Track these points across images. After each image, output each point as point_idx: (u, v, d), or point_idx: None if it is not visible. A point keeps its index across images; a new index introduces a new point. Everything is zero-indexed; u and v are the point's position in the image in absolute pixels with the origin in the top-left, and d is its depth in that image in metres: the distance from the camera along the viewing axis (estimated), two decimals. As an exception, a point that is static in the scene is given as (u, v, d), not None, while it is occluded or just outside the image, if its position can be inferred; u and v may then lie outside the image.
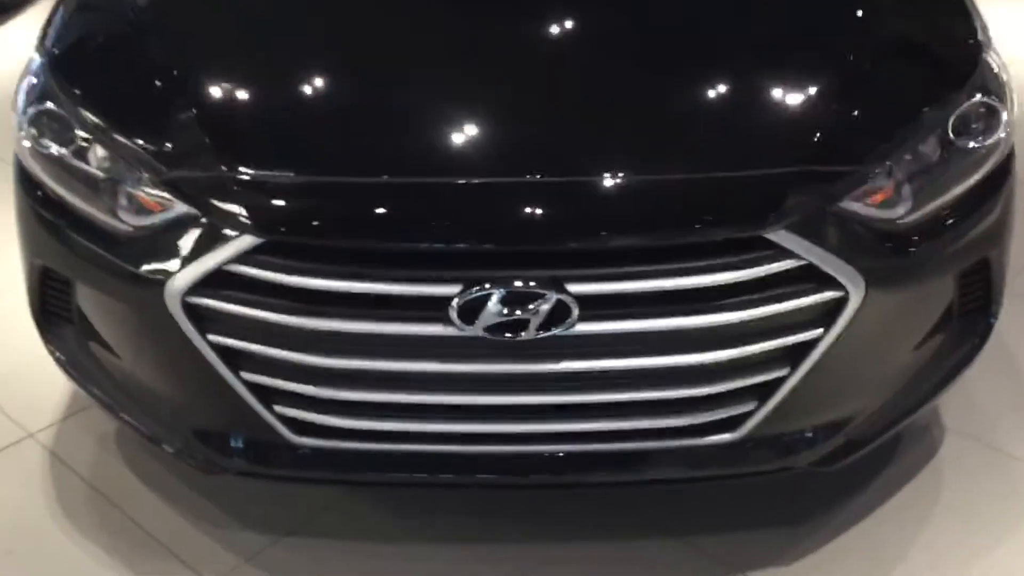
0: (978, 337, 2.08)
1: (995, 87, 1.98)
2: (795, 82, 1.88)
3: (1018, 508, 2.20)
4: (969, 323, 2.07)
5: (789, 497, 2.18)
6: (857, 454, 1.98)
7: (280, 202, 1.74)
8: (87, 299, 1.97)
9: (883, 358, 1.93)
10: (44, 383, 2.51)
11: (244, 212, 1.71)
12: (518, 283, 1.67)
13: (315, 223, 1.72)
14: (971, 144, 1.92)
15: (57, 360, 2.12)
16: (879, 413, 1.98)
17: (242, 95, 1.91)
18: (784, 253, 1.72)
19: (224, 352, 1.79)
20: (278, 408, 1.83)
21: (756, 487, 2.20)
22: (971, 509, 2.19)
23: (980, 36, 2.07)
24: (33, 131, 1.95)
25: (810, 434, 1.90)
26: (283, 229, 1.71)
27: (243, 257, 1.72)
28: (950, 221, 1.89)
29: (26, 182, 1.99)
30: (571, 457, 1.86)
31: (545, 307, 1.67)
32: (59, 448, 2.36)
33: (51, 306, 2.07)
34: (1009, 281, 2.75)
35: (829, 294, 1.75)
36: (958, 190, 1.90)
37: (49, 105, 1.95)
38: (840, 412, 1.92)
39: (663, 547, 2.09)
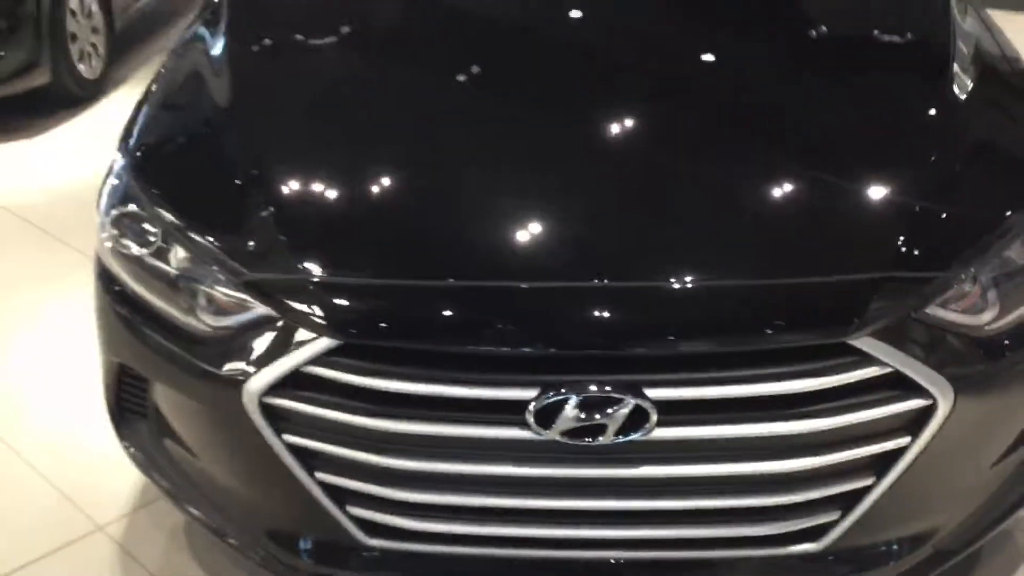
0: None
1: (1078, 189, 1.94)
2: (877, 185, 1.87)
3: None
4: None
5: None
6: (943, 567, 1.91)
7: (357, 305, 1.74)
8: (163, 396, 1.98)
9: (971, 467, 1.87)
10: (114, 477, 2.53)
11: (322, 314, 1.72)
12: (594, 388, 1.65)
13: (391, 326, 1.72)
14: (1056, 250, 1.88)
15: (131, 456, 2.13)
16: (966, 524, 1.92)
17: (319, 198, 1.93)
18: (869, 360, 1.68)
19: (299, 452, 1.78)
20: (351, 509, 1.81)
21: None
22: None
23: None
24: (115, 231, 1.98)
25: (895, 547, 1.84)
26: (360, 332, 1.71)
27: (320, 359, 1.72)
28: (1034, 328, 1.85)
29: (106, 281, 2.02)
30: (649, 565, 1.82)
31: (623, 412, 1.65)
32: (127, 541, 2.37)
33: (127, 402, 2.09)
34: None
35: (916, 402, 1.71)
36: (1045, 295, 1.86)
37: (131, 207, 1.98)
38: (926, 523, 1.87)
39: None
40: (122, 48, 5.56)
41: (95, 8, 5.19)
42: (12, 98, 4.77)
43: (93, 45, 5.19)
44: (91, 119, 4.96)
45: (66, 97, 4.99)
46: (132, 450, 2.12)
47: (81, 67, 5.06)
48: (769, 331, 1.69)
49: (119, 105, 5.11)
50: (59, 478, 2.56)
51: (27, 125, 4.79)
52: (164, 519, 2.41)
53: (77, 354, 3.06)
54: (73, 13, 4.97)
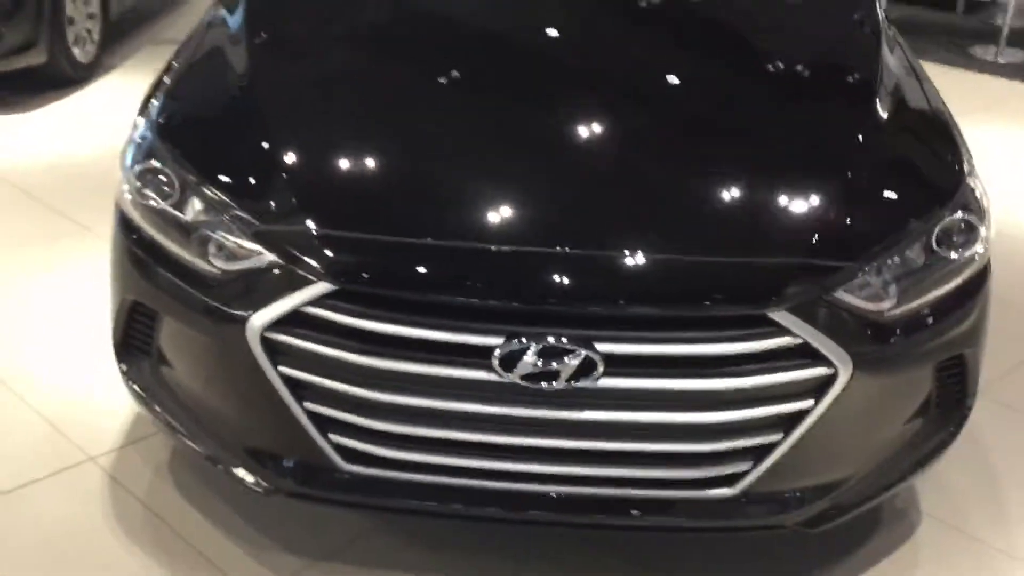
0: (953, 426, 2.33)
1: (975, 207, 2.28)
2: (803, 187, 2.19)
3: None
4: (946, 413, 2.32)
5: (780, 561, 2.41)
6: (839, 519, 2.21)
7: (353, 256, 2.02)
8: (169, 333, 2.23)
9: (866, 433, 2.18)
10: (107, 414, 2.78)
11: (322, 263, 1.99)
12: (552, 339, 1.94)
13: (380, 275, 2.00)
14: (952, 255, 2.21)
15: (131, 389, 2.36)
16: (861, 484, 2.22)
17: (322, 162, 2.21)
18: (783, 331, 1.99)
19: (291, 383, 2.05)
20: (333, 437, 2.08)
21: (748, 551, 2.43)
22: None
23: (965, 162, 2.38)
24: (138, 184, 2.25)
25: (799, 495, 2.14)
26: (353, 279, 1.99)
27: (317, 301, 1.99)
28: (930, 319, 2.16)
29: (125, 228, 2.27)
30: (590, 500, 2.10)
31: (575, 361, 1.94)
32: (117, 472, 2.60)
33: (132, 340, 2.34)
34: (991, 387, 3.05)
35: (820, 370, 2.02)
36: (938, 293, 2.18)
37: (154, 163, 2.25)
38: (826, 478, 2.16)
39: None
40: (115, 36, 5.79)
41: (93, -6, 5.43)
42: (8, 75, 4.99)
43: (88, 30, 5.41)
44: (81, 100, 5.19)
45: (59, 78, 5.20)
46: (133, 384, 2.36)
47: (76, 50, 5.28)
48: (702, 300, 1.99)
49: (109, 89, 5.36)
50: (54, 414, 2.80)
51: (22, 102, 5.01)
52: (153, 454, 2.65)
53: (70, 307, 3.32)
54: (72, -1, 5.21)
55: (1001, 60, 6.97)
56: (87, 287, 3.41)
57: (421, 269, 2.01)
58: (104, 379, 2.89)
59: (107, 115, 5.01)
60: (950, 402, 2.32)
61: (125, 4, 5.88)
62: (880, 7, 2.88)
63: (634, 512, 2.11)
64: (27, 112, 4.94)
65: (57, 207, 4.01)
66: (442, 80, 2.49)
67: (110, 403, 2.80)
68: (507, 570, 2.36)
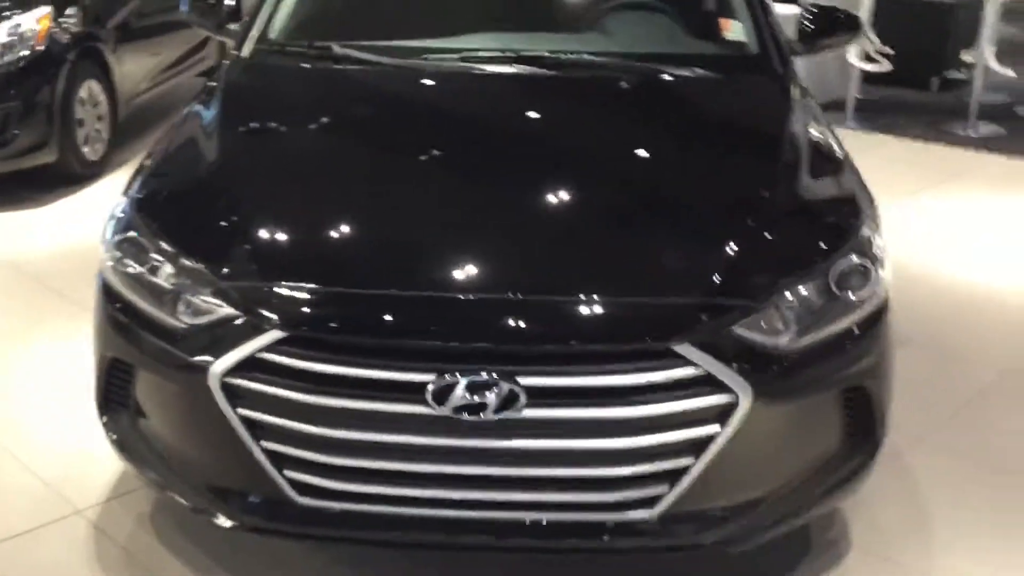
0: (867, 455, 2.51)
1: (869, 252, 2.51)
2: (707, 236, 2.44)
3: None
4: (857, 443, 2.50)
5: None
6: (757, 539, 2.39)
7: (300, 306, 2.27)
8: (143, 385, 2.48)
9: (776, 457, 2.38)
10: (93, 471, 3.01)
11: (272, 312, 2.25)
12: (480, 375, 2.17)
13: (326, 322, 2.26)
14: (848, 295, 2.43)
15: (111, 440, 2.60)
16: (777, 506, 2.39)
17: (277, 229, 2.47)
18: (687, 362, 2.21)
19: (249, 424, 2.28)
20: (287, 472, 2.30)
21: (680, 573, 2.61)
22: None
23: (862, 211, 2.62)
24: (117, 253, 2.52)
25: (715, 516, 2.33)
26: (301, 326, 2.24)
27: (270, 347, 2.24)
28: (826, 353, 2.38)
29: (106, 293, 2.55)
30: (522, 524, 2.29)
31: (500, 394, 2.17)
32: (102, 523, 2.82)
33: (112, 395, 2.58)
34: (933, 434, 3.25)
35: (723, 397, 2.23)
36: (834, 329, 2.40)
37: (131, 234, 2.53)
38: (740, 499, 2.35)
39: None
40: (123, 134, 6.18)
41: (102, 98, 5.83)
42: (21, 173, 5.36)
43: (97, 130, 5.80)
44: (90, 195, 5.54)
45: (70, 175, 5.58)
46: (113, 436, 2.59)
47: (85, 149, 5.67)
48: (611, 336, 2.23)
49: (117, 184, 5.66)
50: (43, 470, 3.04)
51: (35, 197, 5.37)
52: (136, 506, 2.87)
53: (70, 377, 3.58)
54: (82, 101, 5.61)
55: (972, 134, 7.27)
56: (85, 360, 3.66)
57: (360, 315, 2.26)
58: (93, 438, 3.12)
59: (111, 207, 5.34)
60: (860, 433, 2.51)
61: (132, 105, 6.28)
62: (796, 84, 3.17)
63: (564, 535, 2.31)
64: (40, 207, 5.30)
65: (60, 290, 4.30)
66: (386, 156, 2.78)
67: (97, 460, 3.03)
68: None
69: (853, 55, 7.36)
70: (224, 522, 2.39)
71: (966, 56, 7.81)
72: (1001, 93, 8.14)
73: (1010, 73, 7.43)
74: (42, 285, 4.39)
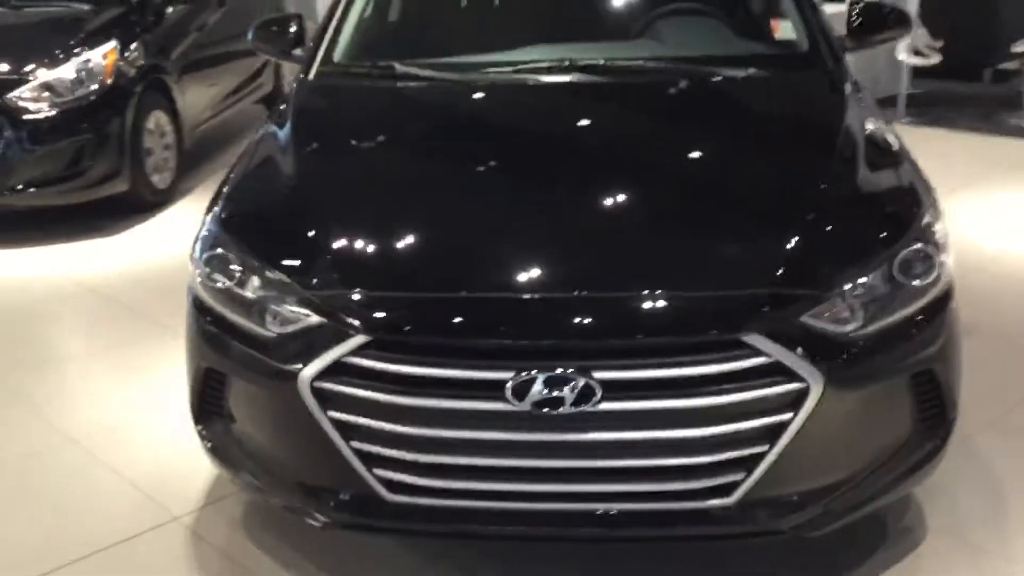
0: (940, 438, 2.56)
1: (931, 239, 2.57)
2: (770, 226, 2.52)
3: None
4: (930, 426, 2.56)
5: (791, 571, 2.64)
6: (834, 524, 2.44)
7: (383, 312, 2.38)
8: (236, 393, 2.61)
9: (850, 442, 2.43)
10: (187, 478, 3.15)
11: (358, 319, 2.36)
12: (556, 371, 2.27)
13: (408, 326, 2.37)
14: (913, 282, 2.49)
15: (207, 448, 2.73)
16: (853, 491, 2.45)
17: (358, 239, 2.59)
18: (758, 352, 2.28)
19: (339, 425, 2.39)
20: (377, 471, 2.41)
21: (763, 558, 2.67)
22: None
23: (922, 199, 2.68)
24: (207, 269, 2.66)
25: (793, 501, 2.39)
26: (385, 330, 2.35)
27: (356, 351, 2.35)
28: (894, 338, 2.44)
29: (198, 307, 2.68)
30: (597, 515, 2.37)
31: (576, 389, 2.26)
32: (199, 528, 2.95)
33: (207, 404, 2.71)
34: (1000, 419, 3.28)
35: (794, 385, 2.30)
36: (901, 315, 2.46)
37: (219, 251, 2.66)
38: (816, 485, 2.41)
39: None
40: (189, 163, 6.40)
41: (168, 128, 6.04)
42: (95, 203, 5.57)
43: (165, 159, 6.01)
44: (160, 222, 5.75)
45: (140, 203, 5.78)
46: (208, 442, 2.73)
47: (154, 178, 5.88)
48: (683, 328, 2.31)
49: (185, 211, 5.91)
50: (139, 479, 3.19)
51: (108, 226, 5.58)
52: (230, 511, 3.00)
53: (154, 393, 3.74)
54: (150, 132, 5.81)
55: (1026, 124, 7.24)
56: (169, 375, 3.85)
57: (440, 318, 2.37)
58: (189, 449, 3.28)
59: (184, 233, 5.50)
60: (933, 416, 2.56)
61: (197, 134, 6.50)
62: (849, 79, 3.23)
63: (643, 525, 2.39)
64: (113, 235, 5.51)
65: (143, 312, 4.49)
66: (456, 166, 2.90)
67: (194, 470, 3.18)
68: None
69: (902, 50, 7.36)
70: (317, 520, 2.50)
71: (1017, 47, 7.77)
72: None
73: (1062, 61, 7.38)
74: (122, 306, 4.57)
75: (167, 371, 3.92)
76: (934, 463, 2.58)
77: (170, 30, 6.19)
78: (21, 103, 5.27)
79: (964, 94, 8.12)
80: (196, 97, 6.43)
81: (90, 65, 5.46)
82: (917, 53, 7.51)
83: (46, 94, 5.33)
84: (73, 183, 5.44)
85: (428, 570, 2.74)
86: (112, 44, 5.61)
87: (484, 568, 2.73)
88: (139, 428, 3.52)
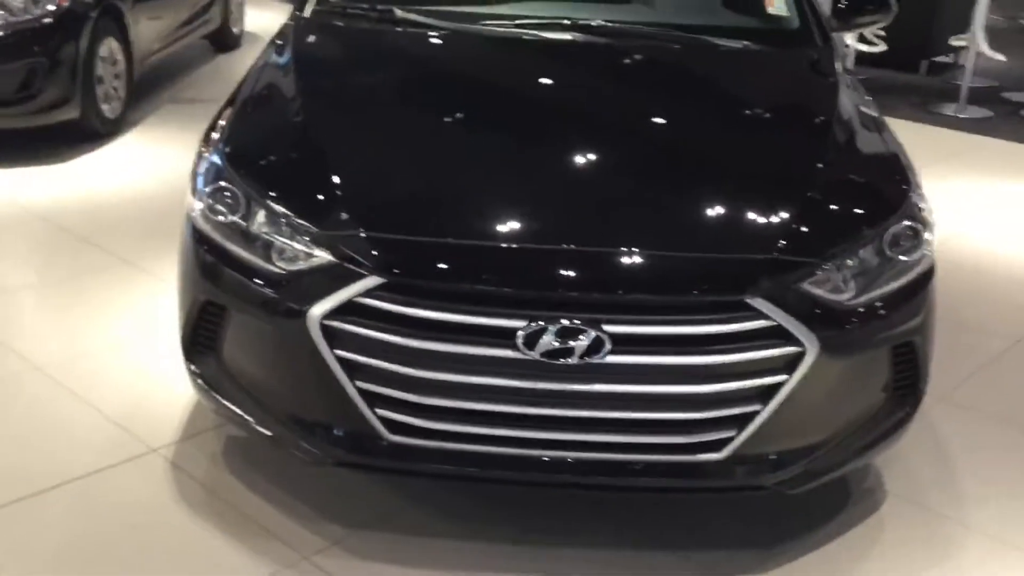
0: (910, 406, 2.71)
1: (919, 216, 2.69)
2: (773, 200, 2.60)
3: (933, 551, 2.78)
4: (903, 394, 2.70)
5: (764, 528, 2.77)
6: (813, 483, 2.57)
7: (398, 254, 2.40)
8: (235, 328, 2.59)
9: (834, 406, 2.55)
10: (163, 411, 3.13)
11: (372, 260, 2.37)
12: (566, 321, 2.32)
13: (423, 269, 2.39)
14: (900, 256, 2.61)
15: (197, 382, 2.71)
16: (831, 452, 2.58)
17: (370, 179, 2.61)
18: (760, 315, 2.37)
19: (345, 364, 2.41)
20: (379, 411, 2.44)
21: (738, 515, 2.79)
22: (899, 547, 2.78)
23: (910, 179, 2.80)
24: (210, 201, 2.63)
25: (777, 459, 2.50)
26: (400, 272, 2.37)
27: (368, 292, 2.37)
28: (882, 309, 2.56)
29: (198, 240, 2.65)
30: (599, 464, 2.45)
31: (586, 340, 2.32)
32: (178, 460, 2.94)
33: (199, 338, 2.70)
34: (950, 393, 3.45)
35: (791, 348, 2.40)
36: (889, 288, 2.57)
37: (223, 183, 2.63)
38: (800, 444, 2.53)
39: (662, 557, 2.67)
40: (138, 94, 6.23)
41: (120, 57, 5.87)
42: (45, 129, 5.41)
43: (115, 88, 5.85)
44: (110, 152, 5.61)
45: (90, 132, 5.62)
46: (199, 379, 2.71)
47: (104, 107, 5.71)
48: (692, 288, 2.39)
49: (135, 142, 5.78)
50: (111, 411, 3.15)
51: (58, 153, 5.42)
52: (208, 445, 3.00)
53: (119, 324, 3.69)
54: (103, 59, 5.65)
55: (962, 116, 7.50)
56: (130, 308, 3.80)
57: (455, 263, 2.40)
58: (159, 383, 3.27)
59: (135, 164, 5.44)
60: (906, 386, 2.70)
61: (146, 65, 6.33)
62: (838, 59, 3.34)
63: (638, 475, 2.47)
64: (64, 163, 5.35)
65: (98, 242, 4.39)
66: (463, 114, 2.93)
67: (166, 403, 3.16)
68: (517, 537, 2.71)
69: (850, 36, 7.55)
70: (311, 455, 2.52)
71: (956, 41, 8.03)
72: (987, 78, 8.39)
73: (1001, 58, 7.66)
74: (77, 237, 4.46)
75: (127, 302, 3.87)
76: (902, 431, 2.72)
77: (125, -45, 6.00)
78: (-27, 20, 5.07)
79: (901, 83, 8.37)
80: (148, 27, 6.26)
81: (47, -15, 5.27)
82: (864, 40, 7.71)
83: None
84: (22, 107, 5.25)
85: (409, 510, 2.78)
86: (68, -35, 5.42)
87: (465, 510, 2.78)
88: (105, 359, 3.47)
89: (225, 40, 7.93)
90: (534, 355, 2.33)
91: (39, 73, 5.24)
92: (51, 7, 5.27)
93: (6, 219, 4.62)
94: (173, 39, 6.82)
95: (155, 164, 5.43)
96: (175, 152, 5.40)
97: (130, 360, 3.45)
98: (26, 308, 3.87)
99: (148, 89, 6.53)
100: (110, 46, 5.74)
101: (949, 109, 7.61)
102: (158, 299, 3.79)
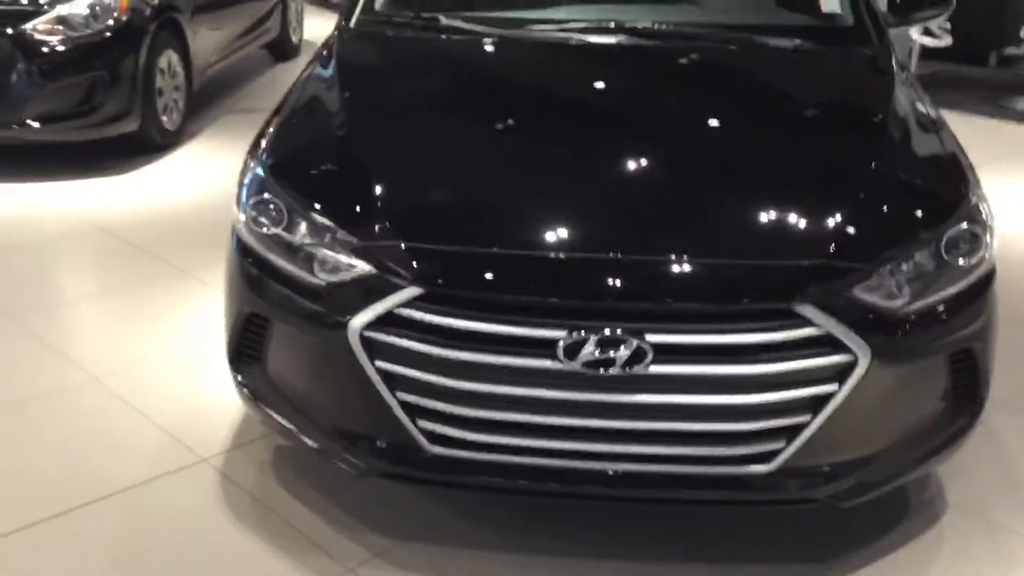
0: (970, 415, 2.61)
1: (979, 219, 2.59)
2: (822, 203, 2.52)
3: (996, 564, 2.68)
4: (962, 403, 2.60)
5: (816, 542, 2.69)
6: (866, 496, 2.49)
7: (438, 265, 2.38)
8: (279, 339, 2.60)
9: (888, 416, 2.47)
10: (213, 421, 3.16)
11: (412, 271, 2.36)
12: (607, 331, 2.28)
13: (463, 280, 2.36)
14: (959, 261, 2.52)
15: (243, 394, 2.73)
16: (886, 464, 2.49)
17: (410, 190, 2.59)
18: (808, 323, 2.30)
19: (386, 376, 2.39)
20: (420, 422, 2.42)
21: (787, 531, 2.71)
22: (960, 560, 2.68)
23: (970, 180, 2.70)
24: (253, 213, 2.64)
25: (828, 471, 2.43)
26: (439, 283, 2.35)
27: (408, 304, 2.35)
28: (939, 316, 2.47)
29: (242, 251, 2.66)
30: (644, 476, 2.40)
31: (628, 350, 2.27)
32: (228, 470, 2.96)
33: (245, 348, 2.71)
34: (1013, 398, 3.34)
35: (842, 357, 2.33)
36: (946, 293, 2.48)
37: (266, 195, 2.64)
38: (852, 457, 2.45)
39: (708, 571, 2.61)
40: (197, 105, 6.33)
41: (179, 69, 5.96)
42: (105, 142, 5.51)
43: (175, 100, 5.94)
44: (170, 164, 5.69)
45: (149, 144, 5.72)
46: (245, 389, 2.72)
47: (164, 118, 5.81)
48: (737, 296, 2.32)
49: (194, 154, 5.86)
50: (163, 420, 3.19)
51: (118, 166, 5.52)
52: (257, 455, 3.01)
53: (174, 334, 3.74)
54: (162, 72, 5.74)
55: (1033, 110, 7.28)
56: (185, 317, 3.84)
57: (495, 274, 2.37)
58: (210, 392, 3.29)
59: (193, 175, 5.51)
60: (966, 394, 2.60)
61: (206, 76, 6.42)
62: (895, 56, 3.24)
63: (684, 487, 2.41)
64: (124, 175, 5.45)
65: (156, 253, 4.45)
66: (507, 121, 2.90)
67: (217, 413, 3.18)
68: (559, 549, 2.67)
69: (914, 30, 7.37)
70: (354, 466, 2.50)
71: (1026, 32, 7.80)
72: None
73: (1074, 49, 7.42)
74: (133, 247, 4.53)
75: (183, 313, 3.91)
76: (962, 441, 2.63)
77: (183, -31, 6.09)
78: (35, 36, 5.17)
79: (970, 77, 8.15)
80: (206, 39, 6.35)
81: (106, 0, 5.37)
82: (929, 34, 7.52)
83: (60, 28, 5.23)
84: (84, 120, 5.36)
85: (452, 524, 2.76)
86: (127, -20, 5.51)
87: (510, 524, 2.75)
88: (159, 369, 3.51)
89: (284, 49, 8.02)
90: (575, 365, 2.29)
91: (100, 87, 5.34)
92: (111, 22, 5.36)
93: (66, 231, 4.71)
94: (232, 50, 6.91)
95: (213, 175, 5.50)
96: (233, 162, 5.38)
97: (184, 370, 3.49)
98: (84, 318, 3.94)
99: (207, 100, 6.63)
100: (169, 58, 5.83)
101: (1020, 103, 7.38)
102: (213, 309, 3.81)
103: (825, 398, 2.35)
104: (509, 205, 2.54)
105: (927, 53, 7.84)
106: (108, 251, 4.53)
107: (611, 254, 2.37)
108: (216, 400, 3.25)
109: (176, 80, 5.95)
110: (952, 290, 2.50)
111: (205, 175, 5.52)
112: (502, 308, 2.33)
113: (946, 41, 7.52)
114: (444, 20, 3.32)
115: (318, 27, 8.51)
